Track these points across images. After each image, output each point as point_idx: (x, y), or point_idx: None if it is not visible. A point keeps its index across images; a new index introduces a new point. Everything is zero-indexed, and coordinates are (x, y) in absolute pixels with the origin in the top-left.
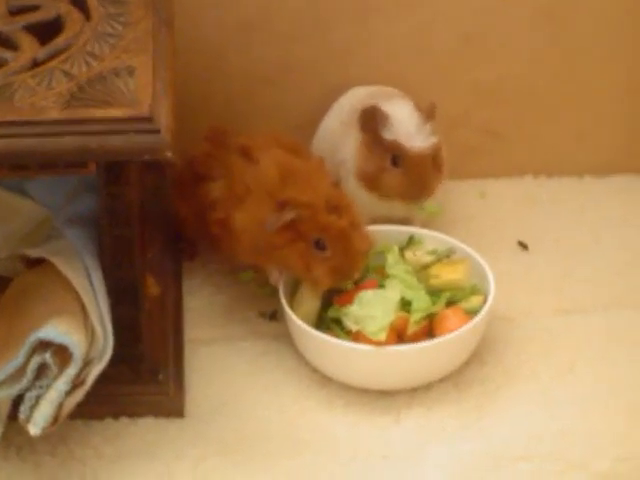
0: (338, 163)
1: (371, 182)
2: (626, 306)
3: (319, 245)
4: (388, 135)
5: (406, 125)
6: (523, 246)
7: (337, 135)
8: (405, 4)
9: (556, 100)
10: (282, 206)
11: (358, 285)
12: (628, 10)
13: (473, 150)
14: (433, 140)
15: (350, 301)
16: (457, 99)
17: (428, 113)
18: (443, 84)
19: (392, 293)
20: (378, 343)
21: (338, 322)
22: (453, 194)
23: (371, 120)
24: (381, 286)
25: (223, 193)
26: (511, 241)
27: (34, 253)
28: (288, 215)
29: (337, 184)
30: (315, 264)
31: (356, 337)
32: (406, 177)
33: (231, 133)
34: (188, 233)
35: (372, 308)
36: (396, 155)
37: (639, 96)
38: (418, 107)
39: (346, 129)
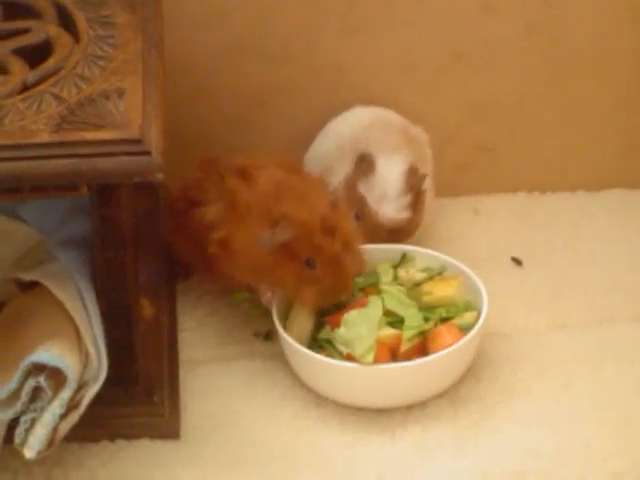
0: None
1: None
2: (620, 320)
3: (309, 264)
4: (363, 189)
5: (386, 188)
6: (517, 262)
7: (331, 158)
8: (395, 22)
9: (548, 116)
10: (276, 222)
11: (348, 305)
12: (619, 26)
13: (466, 166)
14: (403, 215)
15: (339, 323)
16: (449, 115)
17: (414, 183)
18: (435, 101)
19: (374, 310)
20: (368, 364)
21: (331, 342)
22: (446, 211)
23: (360, 167)
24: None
25: (220, 214)
26: (505, 257)
27: (27, 276)
28: (284, 235)
29: (334, 204)
30: (305, 283)
31: (349, 357)
32: (361, 234)
33: (223, 160)
34: (185, 261)
35: (357, 328)
36: (358, 212)
37: (631, 111)
38: (414, 169)
39: (342, 154)
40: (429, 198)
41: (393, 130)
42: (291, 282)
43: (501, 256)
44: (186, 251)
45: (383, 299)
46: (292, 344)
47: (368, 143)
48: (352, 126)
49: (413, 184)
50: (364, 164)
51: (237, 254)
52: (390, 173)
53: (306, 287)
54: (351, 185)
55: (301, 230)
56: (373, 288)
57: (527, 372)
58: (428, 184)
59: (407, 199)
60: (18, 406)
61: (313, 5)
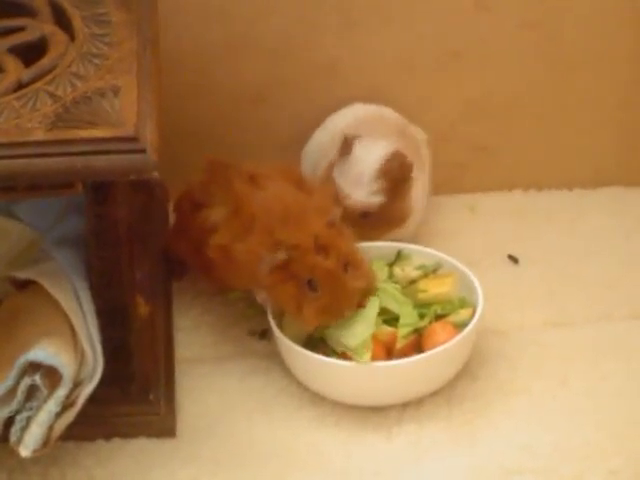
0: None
1: None
2: (617, 318)
3: (311, 285)
4: (337, 171)
5: (359, 171)
6: (513, 260)
7: (326, 149)
8: (392, 20)
9: (544, 114)
10: (276, 246)
11: None
12: (616, 24)
13: (462, 165)
14: (374, 200)
15: None
16: (445, 114)
17: (391, 168)
18: (431, 99)
19: (370, 309)
20: (364, 362)
21: (326, 340)
22: (443, 209)
23: (341, 148)
24: None
25: (223, 218)
26: (501, 255)
27: (23, 275)
28: (279, 257)
29: (332, 223)
30: (305, 303)
31: (344, 355)
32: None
33: (232, 164)
34: (182, 262)
35: (353, 327)
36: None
37: (627, 109)
38: (397, 155)
39: (333, 145)
40: (422, 195)
41: (388, 123)
42: (292, 302)
43: (497, 254)
44: (185, 252)
45: (379, 297)
46: (288, 343)
47: (358, 129)
48: (348, 119)
49: (389, 169)
50: (344, 146)
51: (237, 264)
52: (366, 156)
53: (307, 307)
54: (331, 168)
55: (295, 251)
56: None
57: (523, 370)
58: (423, 181)
59: (380, 184)
60: (14, 404)
61: (310, 2)
